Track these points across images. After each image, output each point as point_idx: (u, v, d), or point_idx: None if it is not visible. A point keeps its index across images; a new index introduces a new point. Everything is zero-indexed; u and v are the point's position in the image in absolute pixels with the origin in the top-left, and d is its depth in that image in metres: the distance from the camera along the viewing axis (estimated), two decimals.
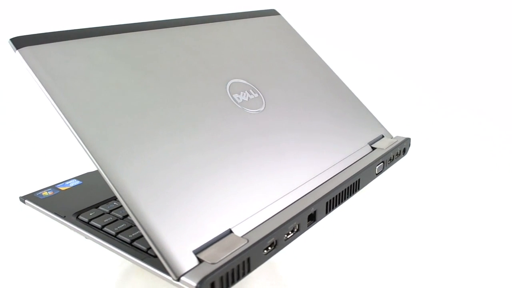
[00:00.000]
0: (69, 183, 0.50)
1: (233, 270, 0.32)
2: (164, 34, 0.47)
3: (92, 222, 0.40)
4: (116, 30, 0.44)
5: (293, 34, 0.63)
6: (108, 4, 0.94)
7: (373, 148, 0.53)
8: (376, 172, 0.50)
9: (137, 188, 0.33)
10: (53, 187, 0.48)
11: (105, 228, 0.39)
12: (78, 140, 0.34)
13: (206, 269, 0.31)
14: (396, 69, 1.16)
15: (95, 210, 0.43)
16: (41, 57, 0.37)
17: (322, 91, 0.56)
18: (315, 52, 0.62)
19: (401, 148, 0.55)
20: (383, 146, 0.53)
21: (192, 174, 0.36)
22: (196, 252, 0.32)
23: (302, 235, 0.39)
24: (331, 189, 0.42)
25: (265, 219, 0.37)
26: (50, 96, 0.35)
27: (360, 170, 0.46)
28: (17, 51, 0.36)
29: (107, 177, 0.33)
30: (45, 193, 0.46)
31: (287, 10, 0.78)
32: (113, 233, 0.38)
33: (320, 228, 0.52)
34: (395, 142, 0.54)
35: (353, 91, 0.61)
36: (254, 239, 0.34)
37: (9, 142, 0.87)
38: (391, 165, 0.54)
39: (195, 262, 0.32)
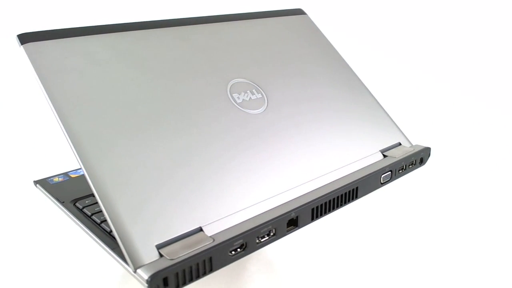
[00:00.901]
0: (80, 171, 0.53)
1: (191, 267, 0.32)
2: (175, 32, 0.48)
3: (84, 210, 0.42)
4: (124, 28, 0.46)
5: (317, 34, 0.61)
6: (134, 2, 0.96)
7: (385, 156, 0.50)
8: (382, 182, 0.47)
9: (110, 179, 0.34)
10: (65, 174, 0.52)
11: (93, 217, 0.41)
12: (61, 128, 0.36)
13: (162, 264, 0.31)
14: (432, 74, 1.09)
15: (92, 198, 0.45)
16: (42, 52, 0.39)
17: (337, 94, 0.54)
18: (338, 54, 0.60)
19: (417, 158, 0.51)
20: (396, 154, 0.50)
21: (171, 170, 0.37)
22: (159, 246, 0.33)
23: (305, 238, 0.38)
24: (319, 195, 0.40)
25: (242, 221, 0.37)
26: (44, 88, 0.37)
27: (359, 179, 0.44)
28: (21, 46, 0.39)
29: (84, 168, 0.34)
30: (56, 179, 0.50)
31: (327, 11, 0.76)
32: (98, 221, 0.40)
33: (318, 231, 0.51)
34: (410, 151, 0.51)
35: (377, 96, 0.58)
36: (221, 239, 0.34)
37: (40, 128, 0.92)
38: (404, 175, 0.51)
39: (156, 256, 0.32)
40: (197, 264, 0.32)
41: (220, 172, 0.39)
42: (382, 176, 0.47)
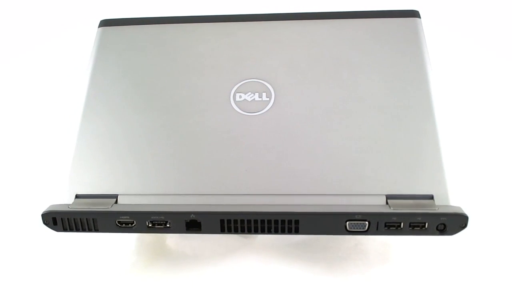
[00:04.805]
0: None
1: (80, 220, 0.40)
2: (222, 28, 0.52)
3: None
4: (185, 20, 0.53)
5: (413, 43, 0.49)
6: None
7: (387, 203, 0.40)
8: (348, 229, 0.38)
9: (87, 133, 0.44)
10: None
11: None
12: (85, 87, 0.48)
13: (60, 207, 0.40)
14: None
15: None
16: (106, 34, 0.52)
17: (379, 115, 0.44)
18: (424, 68, 0.47)
19: (431, 222, 0.38)
20: (398, 205, 0.39)
21: (127, 143, 0.44)
22: (78, 196, 0.41)
23: None
24: (233, 210, 0.39)
25: (151, 203, 0.40)
26: (92, 59, 0.50)
27: (300, 212, 0.38)
28: (98, 28, 0.53)
29: (79, 121, 0.45)
30: None
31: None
32: None
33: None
34: (428, 210, 0.38)
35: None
36: (114, 209, 0.39)
37: None
38: (406, 235, 0.39)
39: (71, 201, 0.41)
40: (85, 220, 0.39)
41: (164, 155, 0.43)
42: (348, 222, 0.38)
